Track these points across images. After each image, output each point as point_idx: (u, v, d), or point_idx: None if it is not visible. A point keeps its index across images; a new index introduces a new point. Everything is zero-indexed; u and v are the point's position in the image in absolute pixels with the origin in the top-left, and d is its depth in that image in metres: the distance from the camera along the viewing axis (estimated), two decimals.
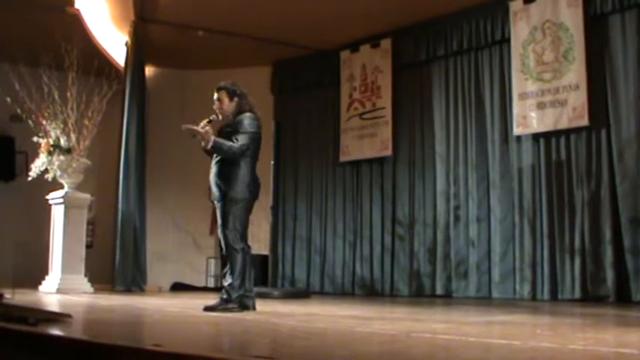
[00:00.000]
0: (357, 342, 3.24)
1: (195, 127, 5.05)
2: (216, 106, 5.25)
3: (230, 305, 5.01)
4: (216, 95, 5.25)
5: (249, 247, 5.18)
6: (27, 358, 2.93)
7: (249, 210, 5.17)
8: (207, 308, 5.04)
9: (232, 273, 5.04)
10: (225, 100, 5.23)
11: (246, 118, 5.15)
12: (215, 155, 5.23)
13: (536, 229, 7.51)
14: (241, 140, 5.07)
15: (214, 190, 5.19)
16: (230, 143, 5.07)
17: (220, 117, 5.24)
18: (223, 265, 5.40)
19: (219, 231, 5.25)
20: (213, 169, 5.23)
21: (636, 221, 6.83)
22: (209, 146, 5.06)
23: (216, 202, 5.22)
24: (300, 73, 10.05)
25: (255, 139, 5.18)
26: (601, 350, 2.92)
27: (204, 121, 5.13)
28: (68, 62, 7.97)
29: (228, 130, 5.19)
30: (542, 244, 7.44)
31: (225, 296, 5.06)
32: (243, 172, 5.11)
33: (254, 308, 5.14)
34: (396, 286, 8.71)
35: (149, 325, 4.23)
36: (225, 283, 5.10)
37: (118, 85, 8.67)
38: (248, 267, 5.12)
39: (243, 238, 5.13)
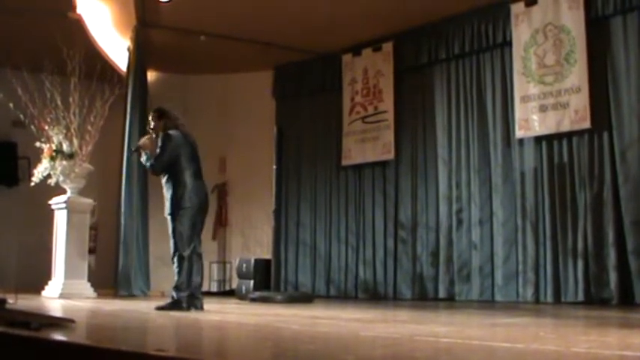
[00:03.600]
0: (360, 346, 3.24)
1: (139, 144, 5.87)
2: (149, 125, 5.92)
3: (179, 305, 5.53)
4: (150, 116, 5.92)
5: (199, 253, 5.68)
6: None
7: (192, 217, 5.63)
8: (159, 308, 5.55)
9: (179, 276, 5.56)
10: (155, 120, 5.85)
11: (160, 138, 5.70)
12: None
13: (539, 231, 7.50)
14: (156, 157, 5.64)
15: (165, 203, 5.71)
16: (151, 161, 5.66)
17: (154, 135, 5.82)
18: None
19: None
20: None
21: (639, 223, 6.81)
22: (142, 154, 5.77)
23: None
24: (302, 77, 10.05)
25: (171, 152, 5.62)
26: (604, 353, 2.91)
27: (145, 137, 5.90)
28: (70, 67, 7.99)
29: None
30: (545, 247, 7.43)
31: (175, 297, 5.58)
32: (178, 183, 5.61)
33: (202, 308, 5.65)
34: (399, 290, 8.70)
35: (152, 330, 4.23)
36: (172, 285, 5.64)
37: (120, 90, 8.70)
38: (194, 271, 5.62)
39: (190, 244, 5.59)
